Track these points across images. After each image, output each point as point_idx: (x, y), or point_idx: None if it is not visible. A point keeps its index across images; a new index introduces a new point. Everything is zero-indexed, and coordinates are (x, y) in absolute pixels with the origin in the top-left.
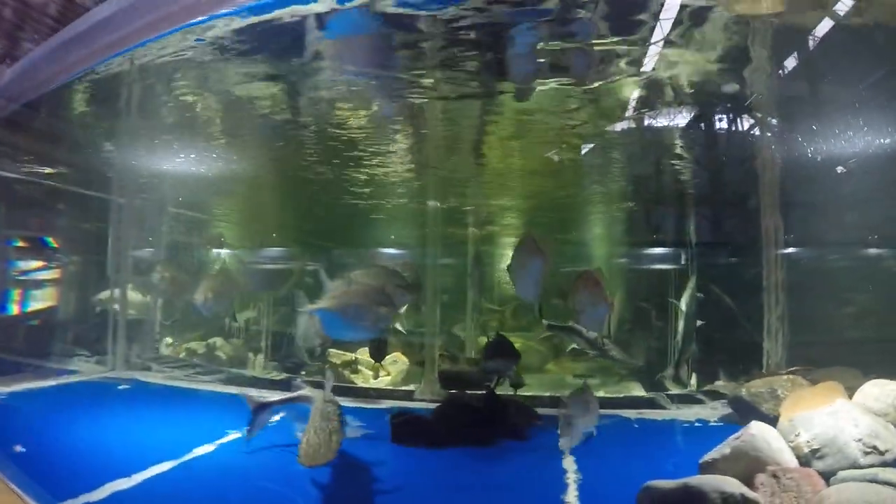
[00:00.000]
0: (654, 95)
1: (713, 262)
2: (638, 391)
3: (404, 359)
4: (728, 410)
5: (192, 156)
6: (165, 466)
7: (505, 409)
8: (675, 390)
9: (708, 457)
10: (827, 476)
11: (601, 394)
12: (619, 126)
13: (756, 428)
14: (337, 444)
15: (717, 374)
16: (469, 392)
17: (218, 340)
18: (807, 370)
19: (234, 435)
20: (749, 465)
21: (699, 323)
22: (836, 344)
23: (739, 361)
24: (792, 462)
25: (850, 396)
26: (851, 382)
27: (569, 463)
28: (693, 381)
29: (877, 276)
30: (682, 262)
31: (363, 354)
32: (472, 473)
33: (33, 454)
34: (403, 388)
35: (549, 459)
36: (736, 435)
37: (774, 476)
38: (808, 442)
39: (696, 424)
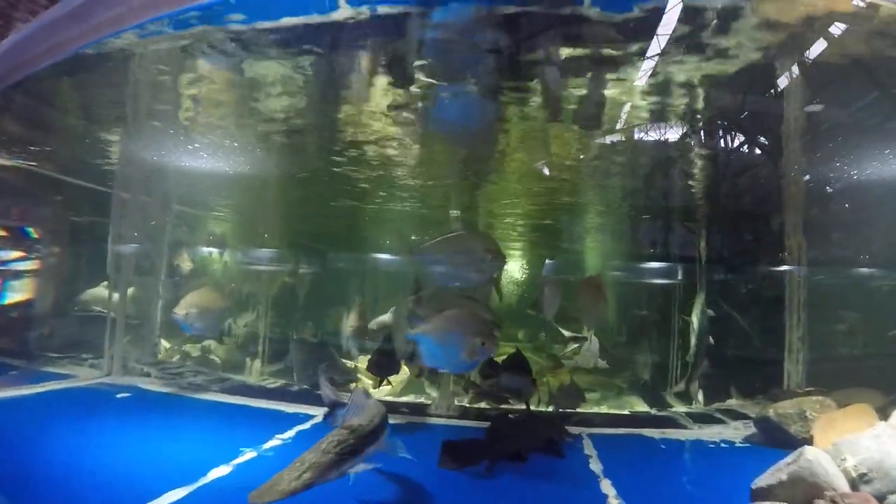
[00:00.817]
0: (665, 110)
1: (720, 278)
2: (640, 406)
3: (404, 368)
4: (751, 431)
5: (201, 152)
6: (180, 493)
7: (545, 425)
8: (680, 407)
9: (762, 482)
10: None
11: (604, 409)
12: (629, 141)
13: (812, 453)
14: (301, 486)
15: (727, 392)
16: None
17: (212, 343)
18: (822, 391)
19: (249, 454)
20: (806, 491)
21: (711, 340)
22: (833, 361)
23: (753, 379)
24: (845, 487)
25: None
26: (870, 402)
27: (607, 487)
28: (700, 397)
29: (872, 295)
30: (690, 277)
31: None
32: (508, 499)
33: (22, 484)
34: (404, 399)
35: (585, 483)
36: (789, 460)
37: (833, 501)
38: (856, 466)
39: (723, 445)
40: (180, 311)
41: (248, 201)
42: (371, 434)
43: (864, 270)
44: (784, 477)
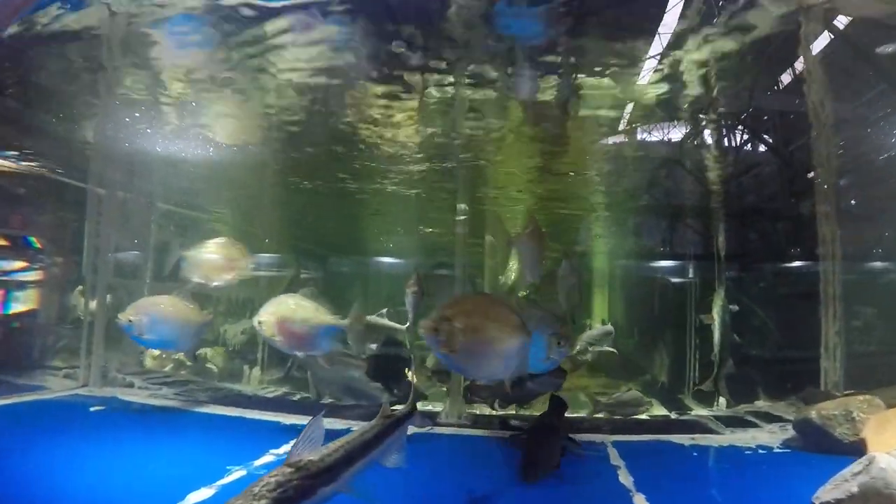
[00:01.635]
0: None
1: (739, 275)
2: (658, 410)
3: (408, 374)
4: (789, 434)
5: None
6: None
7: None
8: (701, 409)
9: (826, 496)
10: None
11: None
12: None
13: (884, 460)
14: None
15: (754, 392)
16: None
17: (209, 351)
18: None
19: (238, 473)
20: None
21: (735, 338)
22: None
23: (784, 379)
24: None
25: None
26: None
27: (640, 502)
28: (722, 400)
29: (887, 289)
30: (709, 274)
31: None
32: None
33: None
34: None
35: (616, 499)
36: (856, 469)
37: None
38: None
39: (760, 451)
40: (124, 316)
41: (247, 200)
42: (325, 472)
43: (878, 264)
44: (854, 489)
